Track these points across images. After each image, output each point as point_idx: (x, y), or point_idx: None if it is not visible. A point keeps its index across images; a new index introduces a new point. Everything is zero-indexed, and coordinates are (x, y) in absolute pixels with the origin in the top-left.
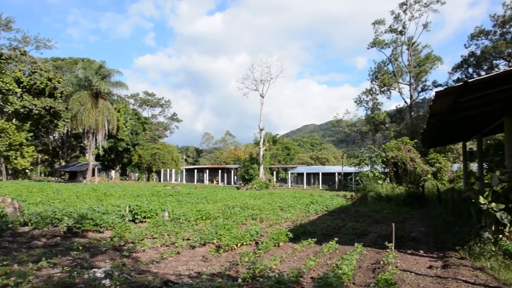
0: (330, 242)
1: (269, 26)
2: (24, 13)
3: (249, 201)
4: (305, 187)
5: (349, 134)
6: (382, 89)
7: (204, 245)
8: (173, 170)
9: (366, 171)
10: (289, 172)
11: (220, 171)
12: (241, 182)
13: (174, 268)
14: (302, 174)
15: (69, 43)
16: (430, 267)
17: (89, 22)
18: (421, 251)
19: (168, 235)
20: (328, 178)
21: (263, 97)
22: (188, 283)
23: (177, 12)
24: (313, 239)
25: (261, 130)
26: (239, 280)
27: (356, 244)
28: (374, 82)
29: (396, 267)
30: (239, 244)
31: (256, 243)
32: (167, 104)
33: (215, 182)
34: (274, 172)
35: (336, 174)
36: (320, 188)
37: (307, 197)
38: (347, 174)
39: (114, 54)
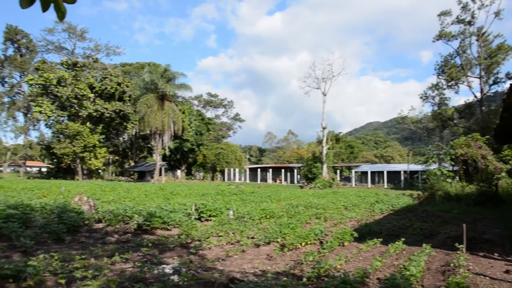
0: (397, 243)
1: (329, 23)
2: (95, 23)
3: (312, 200)
4: (369, 186)
5: (415, 131)
6: (450, 84)
7: (268, 243)
8: (237, 170)
9: (434, 169)
10: (353, 171)
11: (283, 170)
12: (304, 181)
13: (239, 266)
14: (366, 172)
15: (136, 49)
16: (507, 271)
17: (154, 27)
18: (496, 254)
19: (233, 233)
20: (393, 176)
21: (325, 95)
22: (253, 281)
23: (237, 14)
24: (378, 239)
25: (323, 128)
26: (304, 279)
27: (424, 245)
28: (440, 77)
29: (468, 270)
30: (303, 243)
31: (321, 242)
32: (230, 105)
33: (278, 181)
34: (338, 171)
35: (402, 172)
36: (385, 187)
37: (372, 196)
38: (413, 173)
39: (178, 57)
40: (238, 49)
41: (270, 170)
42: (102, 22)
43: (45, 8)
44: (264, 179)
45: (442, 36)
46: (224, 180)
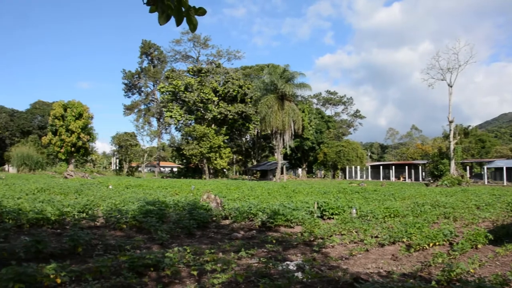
0: None
1: (454, 7)
2: (216, 30)
3: (440, 198)
4: (505, 184)
5: None
6: None
7: (393, 243)
8: (358, 167)
9: None
10: (485, 167)
11: (406, 167)
12: (429, 178)
13: (363, 265)
14: (501, 169)
15: (254, 51)
16: None
17: (271, 29)
18: None
19: (356, 232)
20: None
21: (451, 86)
22: (378, 281)
23: (353, 8)
24: None
25: (450, 122)
26: (433, 283)
27: None
28: None
29: None
30: (431, 244)
31: (450, 243)
32: (349, 101)
33: (401, 178)
34: (467, 168)
35: None
36: None
37: (509, 194)
38: None
39: (296, 56)
40: (356, 44)
41: (393, 167)
42: (223, 29)
43: (179, 23)
44: (386, 177)
45: None
46: (345, 178)
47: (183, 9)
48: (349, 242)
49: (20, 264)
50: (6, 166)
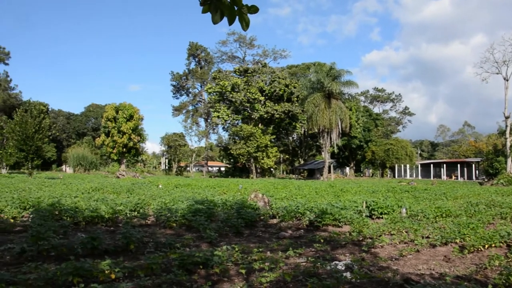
0: None
1: None
2: (261, 30)
3: (495, 198)
4: None
5: None
6: None
7: (445, 244)
8: (407, 166)
9: None
10: None
11: (458, 165)
12: (484, 177)
13: (414, 266)
14: None
15: (300, 50)
16: None
17: (316, 27)
18: None
19: (406, 232)
20: None
21: (507, 80)
22: (431, 283)
23: (400, 3)
24: None
25: (506, 118)
26: (490, 287)
27: None
28: None
29: None
30: (486, 246)
31: (508, 245)
32: (398, 98)
33: (453, 177)
34: None
35: None
36: None
37: None
38: None
39: (342, 54)
40: (404, 39)
41: (444, 165)
42: (268, 28)
43: (231, 22)
44: (437, 175)
45: None
46: (394, 176)
47: (236, 8)
48: (399, 242)
49: (78, 260)
50: (63, 167)
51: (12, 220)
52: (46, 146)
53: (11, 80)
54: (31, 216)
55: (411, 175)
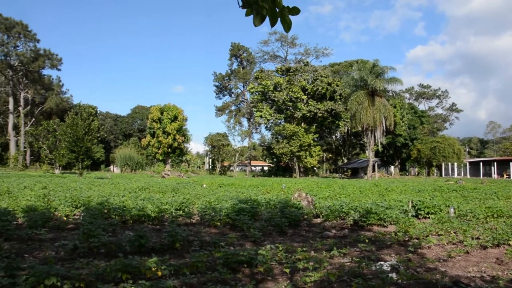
0: None
1: None
2: (303, 28)
3: None
4: None
5: None
6: None
7: (497, 246)
8: (455, 164)
9: None
10: None
11: (511, 163)
12: None
13: (463, 268)
14: None
15: (342, 47)
16: None
17: (358, 24)
18: None
19: (454, 232)
20: None
21: None
22: (482, 286)
23: None
24: None
25: None
26: None
27: None
28: None
29: None
30: None
31: None
32: (444, 95)
33: (505, 175)
34: None
35: None
36: None
37: None
38: None
39: (385, 50)
40: (450, 33)
41: (495, 163)
42: (309, 27)
43: (273, 23)
44: (487, 174)
45: None
46: (441, 175)
47: (277, 10)
48: (447, 243)
49: (126, 257)
50: (111, 167)
51: (65, 218)
52: (95, 147)
53: (63, 84)
54: (82, 214)
55: (459, 174)
